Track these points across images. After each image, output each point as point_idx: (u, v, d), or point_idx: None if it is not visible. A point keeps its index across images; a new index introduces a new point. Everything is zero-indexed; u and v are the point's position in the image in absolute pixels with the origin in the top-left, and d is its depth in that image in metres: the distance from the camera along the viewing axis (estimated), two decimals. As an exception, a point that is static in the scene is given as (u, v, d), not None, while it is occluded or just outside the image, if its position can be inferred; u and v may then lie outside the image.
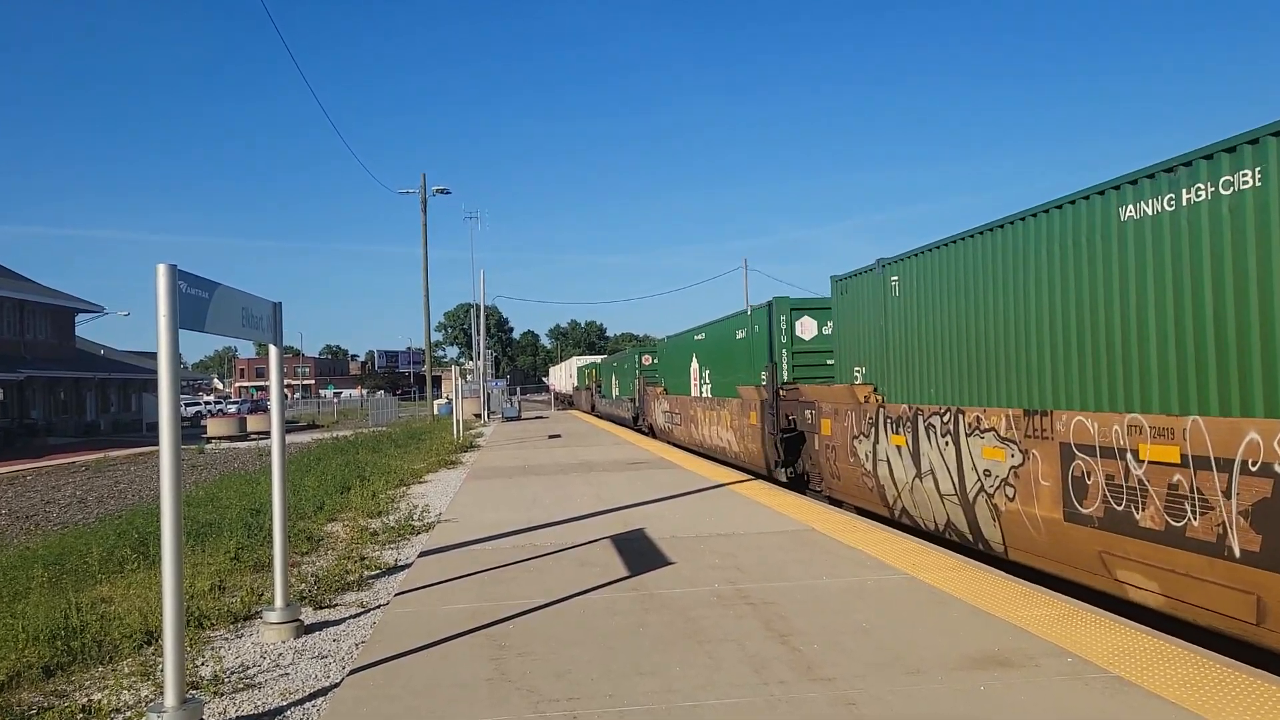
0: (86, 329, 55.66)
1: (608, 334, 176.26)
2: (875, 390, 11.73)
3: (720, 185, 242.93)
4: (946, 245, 9.92)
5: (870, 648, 5.69)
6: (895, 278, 11.23)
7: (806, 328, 16.02)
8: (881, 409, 11.22)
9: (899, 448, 10.70)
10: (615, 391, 42.34)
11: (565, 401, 73.65)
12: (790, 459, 15.08)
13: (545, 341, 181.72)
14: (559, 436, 29.66)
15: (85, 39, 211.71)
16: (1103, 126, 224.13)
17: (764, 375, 16.16)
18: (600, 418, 45.45)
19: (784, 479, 15.03)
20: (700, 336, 22.60)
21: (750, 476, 15.86)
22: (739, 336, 18.38)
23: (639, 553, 9.07)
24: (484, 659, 5.78)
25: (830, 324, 14.76)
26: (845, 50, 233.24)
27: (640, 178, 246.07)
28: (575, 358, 77.94)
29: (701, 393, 22.24)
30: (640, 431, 32.07)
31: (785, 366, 15.83)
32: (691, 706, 4.82)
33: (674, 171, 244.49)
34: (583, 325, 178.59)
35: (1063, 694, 4.79)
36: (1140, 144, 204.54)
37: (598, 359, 63.46)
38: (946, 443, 9.59)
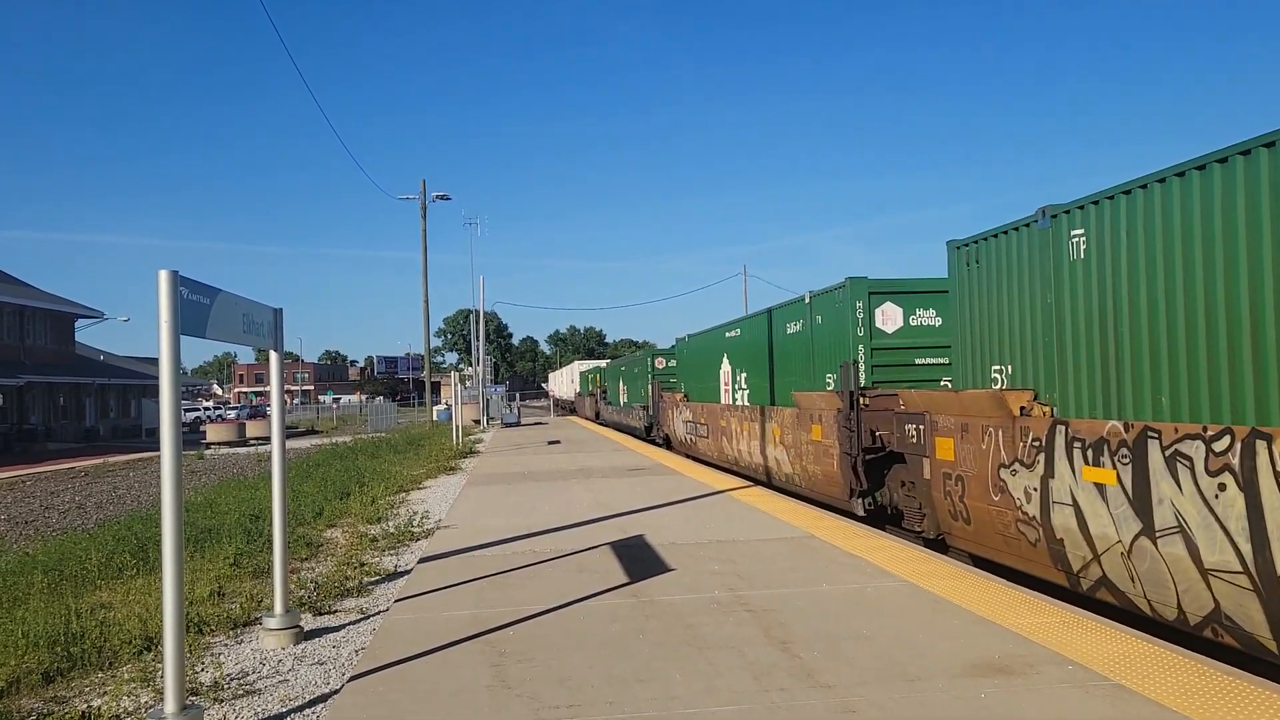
0: (86, 334, 55.71)
1: (607, 340, 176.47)
2: (1036, 398, 8.45)
3: (719, 190, 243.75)
4: (1207, 167, 6.40)
5: (871, 655, 5.69)
6: (1079, 232, 7.86)
7: (889, 317, 12.83)
8: (1062, 427, 7.70)
9: (1101, 487, 7.29)
10: (624, 398, 38.85)
11: (566, 408, 72.90)
12: (872, 486, 12.04)
13: (545, 348, 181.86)
14: (558, 443, 29.65)
15: (86, 42, 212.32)
16: (1101, 132, 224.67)
17: (830, 379, 13.30)
18: (606, 426, 42.77)
19: (862, 512, 12.06)
20: (734, 333, 19.34)
21: (801, 501, 13.21)
22: (792, 330, 15.37)
23: (639, 559, 9.06)
24: (484, 665, 5.78)
25: (921, 312, 12.43)
26: (845, 55, 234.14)
27: (638, 182, 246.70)
28: (577, 362, 76.91)
29: (735, 400, 19.13)
30: (653, 443, 28.82)
31: (863, 367, 12.70)
32: (692, 713, 4.81)
33: (672, 176, 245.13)
34: (582, 331, 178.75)
35: (1064, 701, 4.78)
36: (1141, 150, 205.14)
37: (602, 363, 60.63)
38: (1221, 486, 6.07)
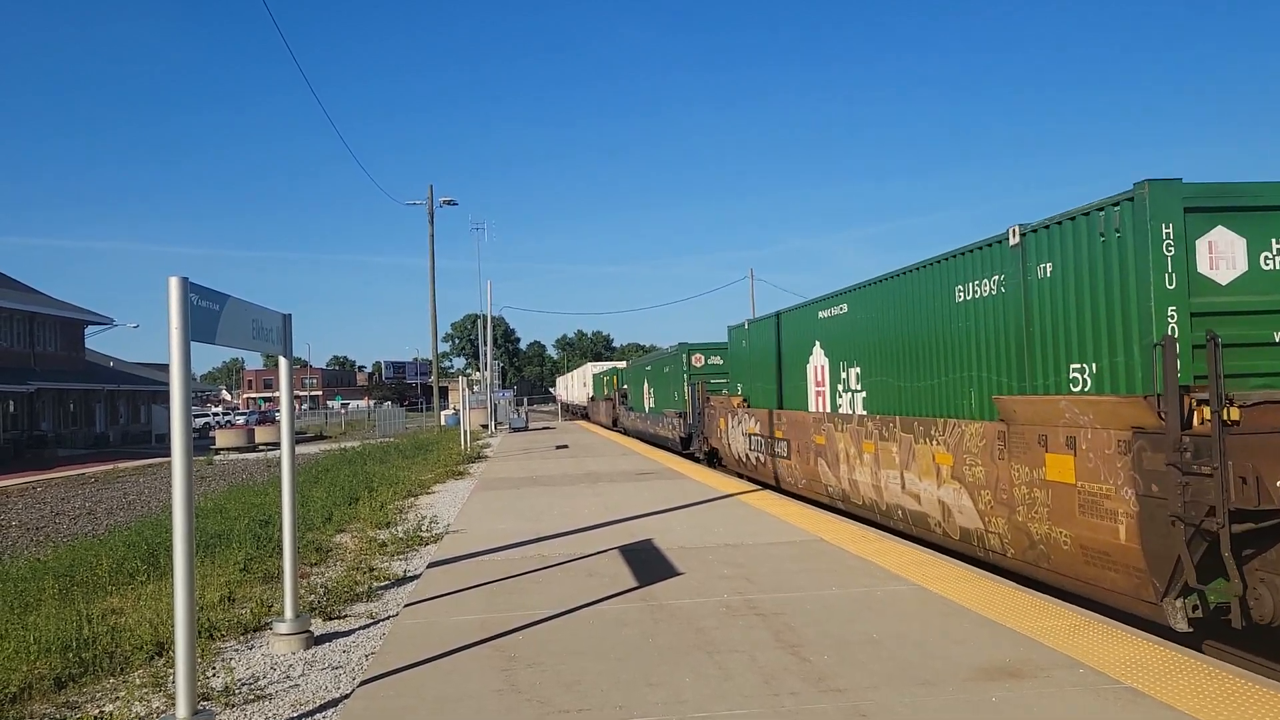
0: (96, 341, 55.96)
1: (614, 344, 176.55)
2: None
3: (724, 194, 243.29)
4: None
5: (881, 658, 5.67)
6: None
7: (1221, 254, 7.06)
8: None
9: None
10: (650, 403, 32.92)
11: (577, 413, 71.06)
12: (1209, 578, 6.41)
13: (552, 352, 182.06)
14: (566, 447, 29.66)
15: (94, 47, 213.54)
16: (1104, 135, 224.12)
17: (1080, 372, 7.78)
18: (627, 435, 37.72)
19: (1184, 625, 6.62)
20: (834, 311, 14.02)
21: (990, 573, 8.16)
22: (966, 297, 9.79)
23: (647, 563, 9.06)
24: (494, 670, 5.79)
25: None
26: (849, 58, 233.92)
27: (644, 186, 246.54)
28: (590, 364, 75.41)
29: (838, 406, 13.87)
30: (693, 459, 23.31)
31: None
32: (702, 717, 4.81)
33: (677, 180, 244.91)
34: (589, 335, 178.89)
35: (1076, 705, 4.77)
36: (1142, 153, 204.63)
37: (620, 364, 56.11)
38: None
